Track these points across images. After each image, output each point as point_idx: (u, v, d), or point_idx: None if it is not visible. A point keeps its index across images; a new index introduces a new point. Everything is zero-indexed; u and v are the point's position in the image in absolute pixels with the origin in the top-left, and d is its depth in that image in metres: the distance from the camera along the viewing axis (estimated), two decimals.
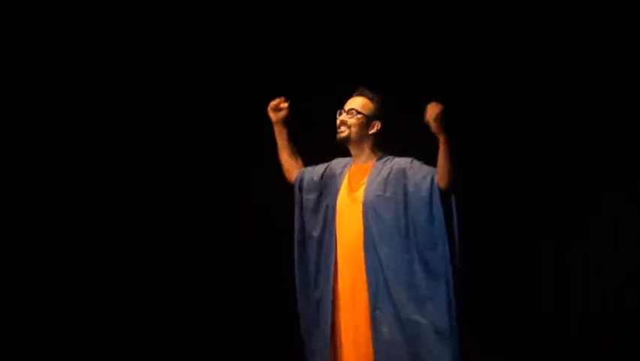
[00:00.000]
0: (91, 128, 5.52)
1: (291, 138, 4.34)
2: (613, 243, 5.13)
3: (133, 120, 5.57)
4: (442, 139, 3.83)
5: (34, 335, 5.34)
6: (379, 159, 4.09)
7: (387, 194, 3.96)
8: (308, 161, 4.38)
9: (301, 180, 4.25)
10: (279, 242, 4.36)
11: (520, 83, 5.24)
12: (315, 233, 4.11)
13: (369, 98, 4.12)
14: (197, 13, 5.56)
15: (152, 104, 5.58)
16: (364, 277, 3.97)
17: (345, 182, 4.11)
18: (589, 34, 5.10)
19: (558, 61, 5.18)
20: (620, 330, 5.06)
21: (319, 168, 4.26)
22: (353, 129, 4.07)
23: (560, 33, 5.16)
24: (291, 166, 4.32)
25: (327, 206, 4.11)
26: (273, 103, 4.27)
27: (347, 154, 4.23)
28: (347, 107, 4.12)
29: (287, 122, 4.30)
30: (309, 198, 4.18)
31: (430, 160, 4.03)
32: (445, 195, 3.90)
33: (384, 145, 4.17)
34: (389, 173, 4.00)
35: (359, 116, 4.07)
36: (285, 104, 4.26)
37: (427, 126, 3.85)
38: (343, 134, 4.09)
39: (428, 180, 3.91)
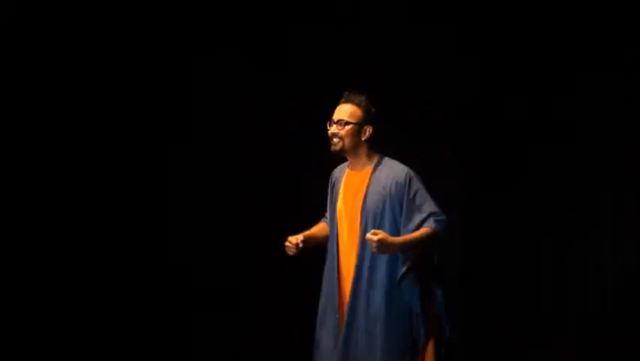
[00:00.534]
0: (91, 128, 5.51)
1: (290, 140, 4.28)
2: (613, 243, 5.13)
3: (133, 120, 5.57)
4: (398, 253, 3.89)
5: (33, 334, 5.34)
6: (376, 164, 4.06)
7: (385, 208, 3.96)
8: (308, 161, 4.36)
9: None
10: (278, 242, 4.35)
11: (520, 83, 5.24)
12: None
13: (357, 104, 4.04)
14: (197, 13, 5.56)
15: (153, 104, 5.58)
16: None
17: (341, 190, 4.10)
18: (589, 34, 5.10)
19: (558, 61, 5.18)
20: (620, 330, 5.06)
21: (327, 198, 4.23)
22: (345, 140, 4.02)
23: (559, 33, 5.16)
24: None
25: (331, 211, 4.11)
26: (290, 251, 4.11)
27: (345, 158, 4.19)
28: (335, 117, 4.05)
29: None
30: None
31: (430, 161, 4.02)
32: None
33: (381, 144, 4.13)
34: (388, 187, 3.97)
35: (349, 126, 4.02)
36: (300, 242, 4.07)
37: (424, 126, 3.83)
38: (337, 147, 4.04)
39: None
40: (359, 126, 4.03)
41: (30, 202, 5.38)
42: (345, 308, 3.97)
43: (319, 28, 5.46)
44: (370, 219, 3.96)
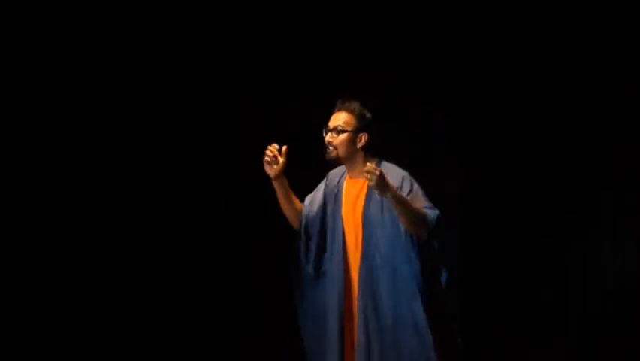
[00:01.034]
0: (91, 128, 5.51)
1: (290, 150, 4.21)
2: (613, 243, 5.13)
3: (133, 120, 5.56)
4: (389, 198, 3.77)
5: (33, 335, 5.34)
6: None
7: (384, 215, 3.93)
8: (307, 162, 4.35)
9: (306, 225, 4.13)
10: (278, 242, 4.35)
11: (520, 83, 5.24)
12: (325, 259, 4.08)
13: (351, 111, 4.00)
14: (197, 13, 5.56)
15: (153, 104, 5.58)
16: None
17: (342, 199, 4.07)
18: (589, 34, 5.10)
19: (558, 61, 5.18)
20: (620, 330, 5.06)
21: (318, 195, 4.16)
22: (340, 149, 3.98)
23: (559, 33, 5.16)
24: (295, 215, 4.17)
25: (333, 220, 4.07)
26: (267, 156, 4.01)
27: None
28: (330, 125, 4.01)
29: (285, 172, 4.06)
30: (314, 232, 4.09)
31: (429, 159, 4.02)
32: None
33: (377, 149, 4.09)
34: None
35: (343, 135, 3.98)
36: (282, 159, 4.02)
37: (424, 126, 3.82)
38: (331, 155, 4.00)
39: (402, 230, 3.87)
40: (354, 134, 3.99)
41: (30, 202, 5.38)
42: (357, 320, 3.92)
43: (319, 28, 5.46)
44: (371, 227, 3.93)
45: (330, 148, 4.01)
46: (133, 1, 5.49)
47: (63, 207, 5.44)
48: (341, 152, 4.00)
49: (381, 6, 5.39)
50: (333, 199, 4.09)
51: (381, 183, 3.71)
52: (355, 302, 3.95)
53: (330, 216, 4.08)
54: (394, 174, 3.94)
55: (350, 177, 4.07)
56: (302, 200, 4.19)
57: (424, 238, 3.86)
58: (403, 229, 3.86)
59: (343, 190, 4.07)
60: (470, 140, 5.32)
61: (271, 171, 4.03)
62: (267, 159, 4.01)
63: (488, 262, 5.26)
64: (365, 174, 3.73)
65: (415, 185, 3.93)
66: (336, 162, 4.07)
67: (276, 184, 4.09)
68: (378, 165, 3.98)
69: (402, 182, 3.91)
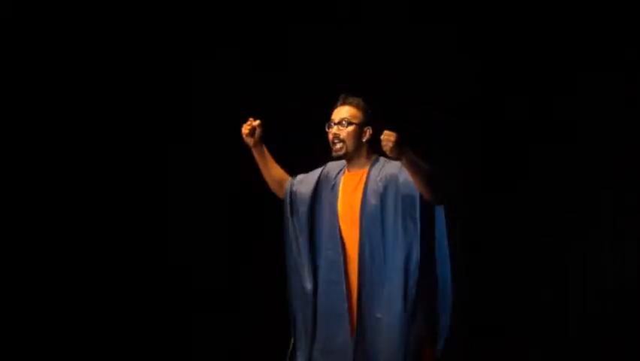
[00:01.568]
0: (91, 128, 5.52)
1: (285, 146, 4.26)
2: (613, 243, 5.13)
3: (133, 120, 5.57)
4: (403, 161, 3.76)
5: (33, 335, 5.34)
6: (372, 164, 4.04)
7: (383, 205, 3.92)
8: (307, 162, 4.36)
9: (292, 201, 4.17)
10: (278, 242, 4.35)
11: (520, 83, 5.24)
12: (306, 245, 4.09)
13: (355, 106, 4.02)
14: (197, 13, 5.56)
15: (153, 104, 5.58)
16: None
17: (340, 190, 4.08)
18: (589, 34, 5.10)
19: (558, 61, 5.18)
20: (620, 330, 5.06)
21: (311, 177, 4.18)
22: (349, 143, 3.99)
23: (559, 33, 5.16)
24: (276, 182, 4.25)
25: (330, 211, 4.07)
26: (245, 128, 4.16)
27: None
28: (337, 118, 4.02)
29: (263, 139, 4.20)
30: (303, 210, 4.11)
31: (428, 159, 4.00)
32: (433, 205, 3.87)
33: (377, 147, 4.11)
34: (384, 181, 3.94)
35: (351, 127, 3.99)
36: (257, 123, 4.15)
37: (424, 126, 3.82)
38: (341, 152, 4.00)
39: (416, 193, 3.86)
40: (360, 128, 4.01)
41: (30, 202, 5.38)
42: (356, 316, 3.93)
43: (319, 29, 5.47)
44: (370, 218, 3.94)
45: (339, 145, 4.00)
46: (133, 1, 5.49)
47: (63, 207, 5.45)
48: (349, 145, 4.00)
49: (381, 6, 5.39)
50: (329, 188, 4.09)
51: (398, 146, 3.70)
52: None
53: (324, 202, 4.08)
54: (391, 166, 3.96)
55: (349, 170, 4.08)
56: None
57: (437, 202, 3.85)
58: (401, 215, 3.86)
59: (341, 182, 4.08)
60: (470, 140, 5.32)
61: (250, 140, 4.19)
62: (245, 132, 4.17)
63: (488, 262, 5.26)
64: (382, 140, 3.71)
65: None
66: (342, 159, 4.07)
67: (255, 152, 4.24)
68: (378, 159, 4.02)
69: (400, 170, 3.91)
